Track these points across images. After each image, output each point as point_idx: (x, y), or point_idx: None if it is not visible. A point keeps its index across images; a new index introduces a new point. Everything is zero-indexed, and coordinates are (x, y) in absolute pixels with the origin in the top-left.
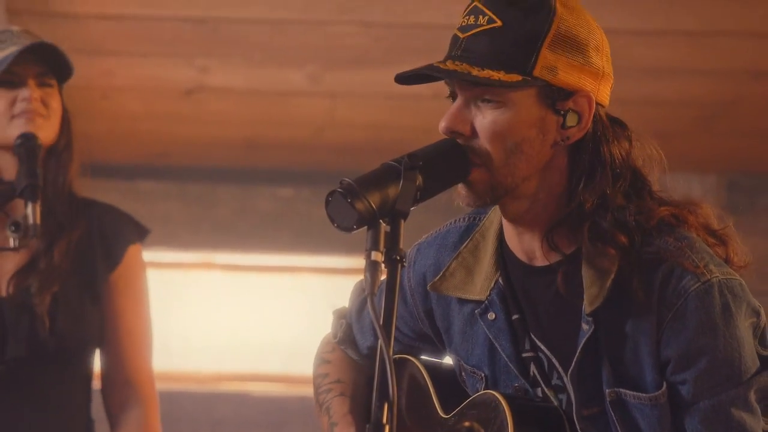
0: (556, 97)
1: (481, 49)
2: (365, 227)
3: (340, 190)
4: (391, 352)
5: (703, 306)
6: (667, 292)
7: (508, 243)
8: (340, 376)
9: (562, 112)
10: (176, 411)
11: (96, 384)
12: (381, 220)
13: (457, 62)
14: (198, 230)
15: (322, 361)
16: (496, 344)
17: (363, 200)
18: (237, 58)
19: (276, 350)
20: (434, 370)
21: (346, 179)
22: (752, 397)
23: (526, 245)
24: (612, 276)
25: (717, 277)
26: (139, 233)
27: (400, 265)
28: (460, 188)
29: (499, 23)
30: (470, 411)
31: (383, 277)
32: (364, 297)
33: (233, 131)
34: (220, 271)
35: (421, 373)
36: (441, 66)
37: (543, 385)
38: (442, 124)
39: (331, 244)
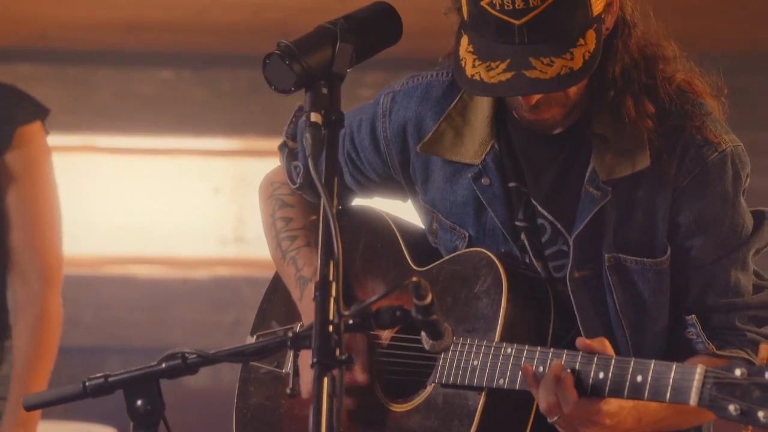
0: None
1: (553, 30)
2: (302, 89)
3: (277, 52)
4: (334, 211)
5: (718, 175)
6: (686, 160)
7: (516, 113)
8: (305, 223)
9: (602, 15)
10: None
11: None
12: (319, 82)
13: (542, 58)
14: (78, 114)
15: (282, 203)
16: (490, 210)
17: (301, 62)
18: None
19: (158, 233)
20: (401, 224)
21: (284, 41)
22: (749, 256)
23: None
24: (646, 150)
25: (730, 145)
26: (36, 113)
27: (339, 126)
28: (525, 114)
29: None
30: (452, 266)
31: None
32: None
33: (113, 12)
34: (100, 155)
35: (388, 223)
36: (540, 76)
37: (530, 254)
38: (530, 118)
39: (211, 126)
